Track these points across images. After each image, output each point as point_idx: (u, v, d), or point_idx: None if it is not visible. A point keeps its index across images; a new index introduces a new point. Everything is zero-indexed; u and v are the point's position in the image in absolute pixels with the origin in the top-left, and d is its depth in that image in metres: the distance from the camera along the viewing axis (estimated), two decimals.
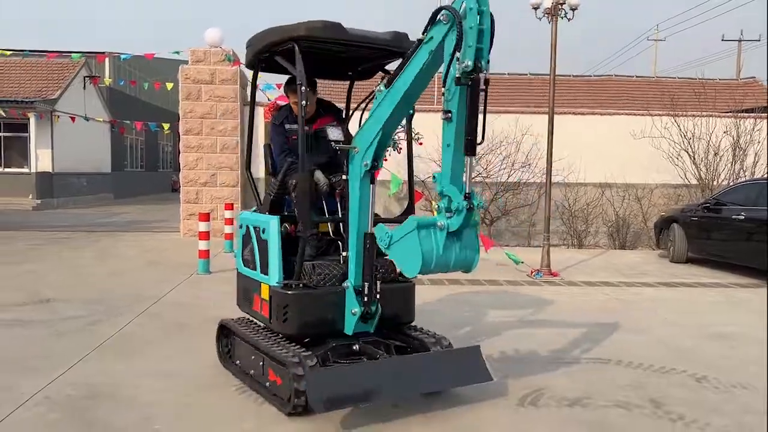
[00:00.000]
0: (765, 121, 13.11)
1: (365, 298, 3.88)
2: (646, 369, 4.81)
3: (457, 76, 3.18)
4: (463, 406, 3.95)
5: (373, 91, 3.87)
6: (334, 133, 4.37)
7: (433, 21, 3.36)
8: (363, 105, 4.27)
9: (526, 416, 3.84)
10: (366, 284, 3.88)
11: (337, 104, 5.04)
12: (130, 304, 6.64)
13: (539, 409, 3.95)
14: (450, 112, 3.27)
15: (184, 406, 3.89)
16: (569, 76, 24.45)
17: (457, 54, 3.16)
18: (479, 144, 3.28)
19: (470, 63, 3.14)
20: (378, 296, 3.92)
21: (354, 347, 4.00)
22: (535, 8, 9.50)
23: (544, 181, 9.75)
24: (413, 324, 4.41)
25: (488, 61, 3.22)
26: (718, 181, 12.91)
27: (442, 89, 3.30)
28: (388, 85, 3.66)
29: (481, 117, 3.24)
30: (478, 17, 3.14)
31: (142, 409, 3.82)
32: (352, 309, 3.90)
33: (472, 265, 3.47)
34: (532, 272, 9.13)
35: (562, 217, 13.21)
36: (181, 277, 8.34)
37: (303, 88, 3.95)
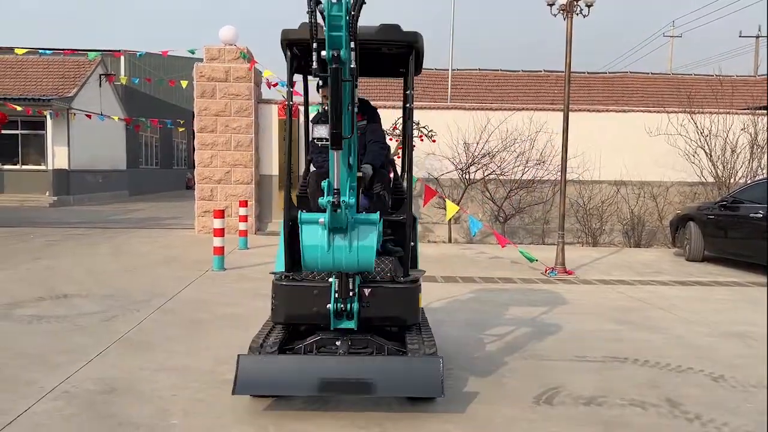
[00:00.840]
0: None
1: (335, 295, 3.88)
2: (662, 368, 4.77)
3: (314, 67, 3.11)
4: (479, 404, 3.94)
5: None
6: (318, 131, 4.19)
7: None
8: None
9: (541, 415, 3.83)
10: (336, 281, 3.85)
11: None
12: (146, 300, 6.70)
13: (555, 408, 3.93)
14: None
15: (199, 401, 3.92)
16: (584, 72, 24.30)
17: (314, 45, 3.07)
18: (348, 137, 3.19)
19: (325, 53, 3.02)
20: (352, 294, 3.85)
21: (337, 343, 3.99)
22: (550, 5, 9.44)
23: (559, 178, 9.70)
24: (419, 327, 4.28)
25: (348, 52, 3.03)
26: (735, 179, 12.77)
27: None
28: None
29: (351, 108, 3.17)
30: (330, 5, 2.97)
31: (159, 404, 3.85)
32: (327, 304, 3.90)
33: (361, 267, 3.48)
34: (546, 270, 9.09)
35: (577, 215, 13.13)
36: (195, 273, 8.39)
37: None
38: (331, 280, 3.92)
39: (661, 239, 13.20)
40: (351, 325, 3.96)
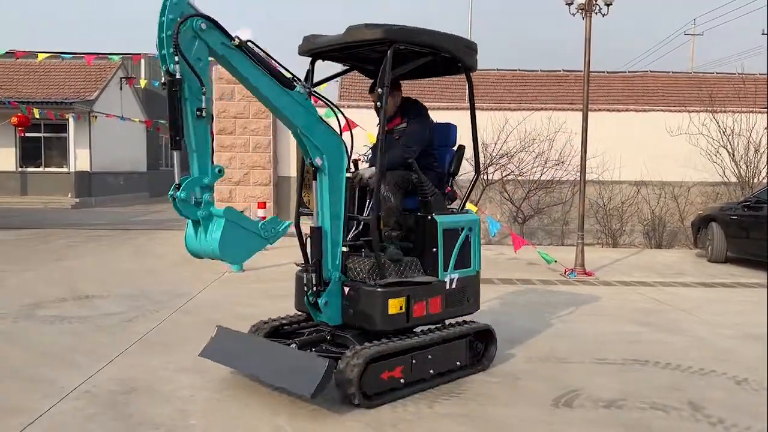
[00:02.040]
0: None
1: (304, 288, 4.12)
2: (684, 370, 4.71)
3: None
4: (497, 406, 3.92)
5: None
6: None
7: None
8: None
9: (560, 417, 3.80)
10: (308, 276, 4.07)
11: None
12: (166, 301, 6.76)
13: (574, 410, 3.90)
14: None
15: (217, 402, 3.94)
16: (604, 72, 24.06)
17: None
18: (179, 139, 3.56)
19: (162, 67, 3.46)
20: (315, 288, 4.04)
21: (324, 334, 4.31)
22: (569, 4, 9.38)
23: (578, 178, 9.62)
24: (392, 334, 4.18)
25: (175, 64, 3.41)
26: (758, 179, 12.58)
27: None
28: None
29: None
30: (158, 27, 3.42)
31: (177, 404, 3.88)
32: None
33: (213, 256, 3.66)
34: (565, 272, 9.02)
35: (597, 216, 13.02)
36: (215, 275, 8.45)
37: (382, 89, 4.07)
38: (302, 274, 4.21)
39: (683, 240, 13.04)
40: (323, 318, 4.17)
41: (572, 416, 3.81)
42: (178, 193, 3.54)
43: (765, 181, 12.30)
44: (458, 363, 4.39)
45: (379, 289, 4.04)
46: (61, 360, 4.71)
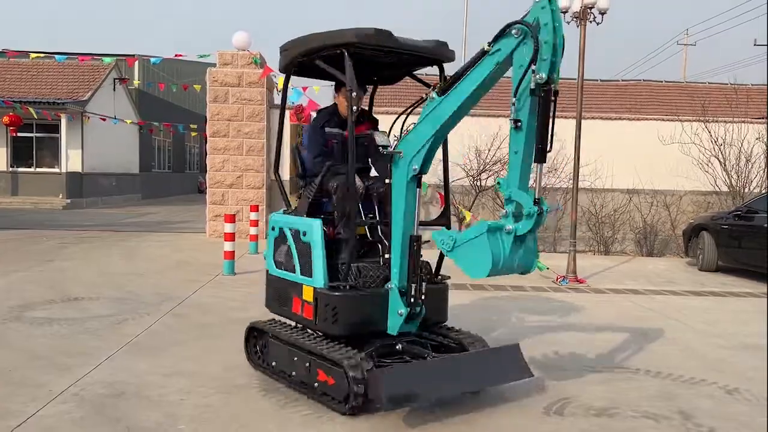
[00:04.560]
0: None
1: (411, 299, 3.94)
2: (675, 379, 4.71)
3: (531, 87, 3.35)
4: (487, 414, 3.91)
5: (423, 98, 3.98)
6: (381, 139, 4.34)
7: (502, 34, 3.50)
8: (409, 110, 4.34)
9: (551, 425, 3.79)
10: (412, 285, 3.93)
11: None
12: (157, 304, 6.72)
13: (565, 419, 3.89)
14: (520, 120, 3.49)
15: (207, 407, 3.91)
16: (597, 80, 24.19)
17: (533, 66, 3.32)
18: (549, 152, 3.45)
19: (545, 75, 3.31)
20: (423, 297, 3.98)
21: (397, 347, 4.11)
22: (564, 12, 9.41)
23: (571, 186, 9.64)
24: (448, 324, 4.53)
25: (559, 73, 3.39)
26: (749, 188, 12.65)
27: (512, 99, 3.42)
28: (442, 92, 3.76)
29: (551, 125, 3.41)
30: (553, 32, 3.31)
31: (167, 409, 3.85)
32: (399, 310, 3.96)
33: (531, 266, 3.68)
34: (557, 279, 9.03)
35: (589, 223, 13.05)
36: (206, 277, 8.41)
37: (353, 93, 4.04)
38: (389, 285, 4.00)
39: (674, 249, 13.09)
40: (412, 328, 4.11)
41: (563, 425, 3.80)
42: (546, 207, 3.51)
43: (756, 190, 12.37)
44: None
45: (446, 284, 4.41)
46: (50, 363, 4.67)
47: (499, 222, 3.51)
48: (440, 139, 3.93)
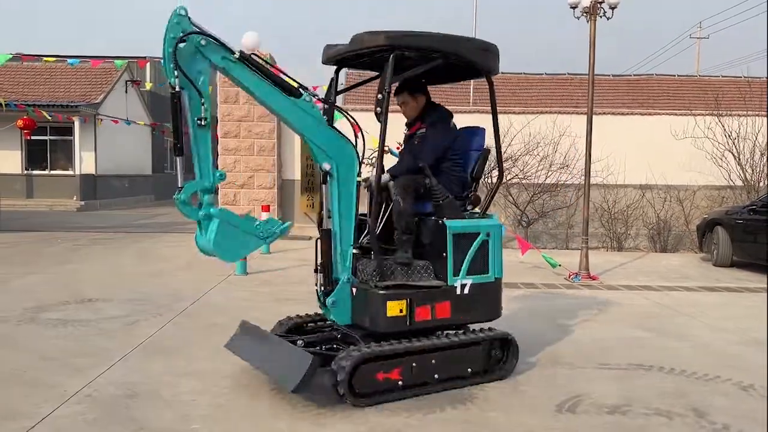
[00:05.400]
0: None
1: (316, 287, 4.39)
2: (689, 376, 4.67)
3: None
4: (500, 411, 3.90)
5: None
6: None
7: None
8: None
9: (563, 423, 3.77)
10: (317, 276, 4.34)
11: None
12: (169, 305, 6.76)
13: (578, 416, 3.87)
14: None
15: (219, 406, 3.93)
16: (609, 75, 24.03)
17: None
18: (180, 145, 3.80)
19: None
20: (325, 288, 4.23)
21: (336, 333, 4.49)
22: (573, 7, 9.35)
23: (583, 182, 9.59)
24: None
25: (175, 78, 3.67)
26: (764, 183, 12.52)
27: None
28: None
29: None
30: (163, 43, 3.67)
31: (179, 409, 3.87)
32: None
33: (206, 250, 3.94)
34: (570, 275, 8.98)
35: (601, 220, 12.98)
36: (218, 278, 8.45)
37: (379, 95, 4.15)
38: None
39: (688, 244, 12.99)
40: (332, 317, 4.33)
41: (576, 422, 3.78)
42: (179, 195, 3.79)
43: None
44: (470, 370, 4.34)
45: (379, 291, 4.09)
46: (63, 364, 4.71)
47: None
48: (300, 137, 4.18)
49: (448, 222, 4.32)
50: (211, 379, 4.39)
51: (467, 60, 4.47)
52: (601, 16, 9.17)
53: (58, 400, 3.96)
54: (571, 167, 12.66)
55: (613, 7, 9.21)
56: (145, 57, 21.94)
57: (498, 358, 4.51)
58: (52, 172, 22.97)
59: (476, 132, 4.87)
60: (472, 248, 4.39)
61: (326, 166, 4.09)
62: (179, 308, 6.61)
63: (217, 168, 3.93)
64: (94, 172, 22.78)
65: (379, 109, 4.11)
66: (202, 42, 3.72)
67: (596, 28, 9.08)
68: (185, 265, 9.60)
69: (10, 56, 14.48)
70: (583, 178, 9.61)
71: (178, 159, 3.91)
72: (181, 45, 3.67)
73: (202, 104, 3.75)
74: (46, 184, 22.61)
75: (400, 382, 4.04)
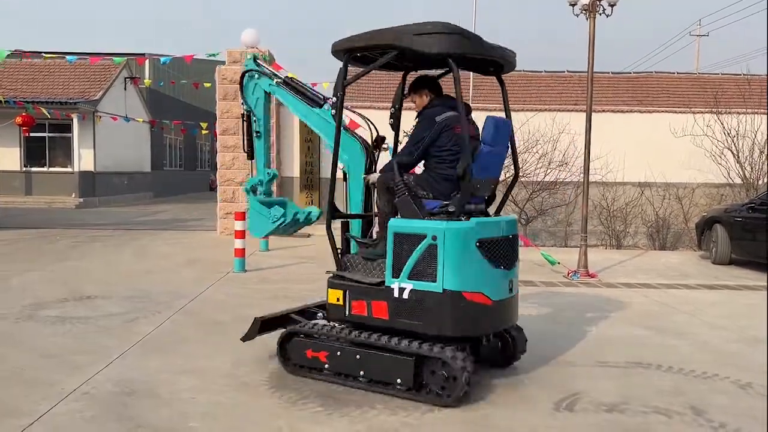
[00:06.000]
0: None
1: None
2: (687, 374, 4.68)
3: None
4: (498, 409, 3.90)
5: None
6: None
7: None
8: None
9: (562, 421, 3.77)
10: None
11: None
12: (168, 302, 6.75)
13: (576, 414, 3.87)
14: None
15: (218, 404, 3.93)
16: (608, 73, 23.96)
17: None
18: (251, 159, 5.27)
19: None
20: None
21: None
22: (573, 5, 9.34)
23: (582, 180, 9.59)
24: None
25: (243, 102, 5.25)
26: (763, 180, 12.52)
27: None
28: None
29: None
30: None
31: (178, 407, 3.87)
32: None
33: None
34: (568, 273, 8.98)
35: (600, 217, 12.98)
36: (217, 275, 8.45)
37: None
38: None
39: (687, 242, 12.99)
40: None
41: (574, 420, 3.78)
42: (245, 187, 5.24)
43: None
44: (398, 381, 4.00)
45: (329, 278, 4.48)
46: (62, 361, 4.71)
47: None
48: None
49: (391, 221, 4.19)
50: (210, 377, 4.39)
51: (408, 49, 4.14)
52: (600, 14, 9.16)
53: (56, 397, 3.96)
54: (570, 165, 12.66)
55: (612, 5, 9.20)
56: (144, 54, 21.92)
57: (442, 378, 3.91)
58: (51, 169, 22.92)
59: (492, 123, 4.34)
60: (415, 251, 4.01)
61: (342, 166, 4.60)
62: (178, 305, 6.61)
63: (269, 167, 5.20)
64: (93, 169, 22.74)
65: (391, 120, 4.76)
66: (255, 75, 5.05)
67: (595, 25, 9.07)
68: (184, 263, 9.59)
69: (10, 53, 14.45)
70: (582, 175, 9.61)
71: (251, 162, 5.28)
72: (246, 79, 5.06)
73: (255, 122, 5.13)
74: (45, 181, 22.57)
75: (326, 366, 4.28)
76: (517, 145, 4.55)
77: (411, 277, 4.03)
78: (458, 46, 4.04)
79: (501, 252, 4.21)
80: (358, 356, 4.15)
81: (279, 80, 4.95)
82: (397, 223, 4.13)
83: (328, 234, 4.49)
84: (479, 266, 4.02)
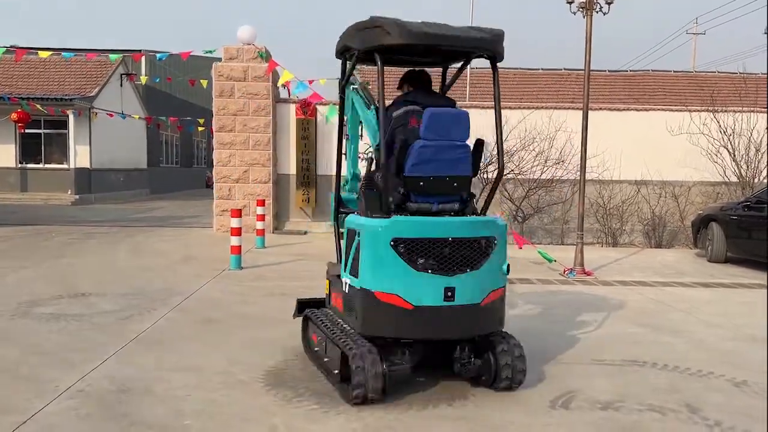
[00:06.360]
0: None
1: None
2: (682, 372, 4.68)
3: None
4: (494, 407, 3.90)
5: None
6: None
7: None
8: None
9: (557, 419, 3.77)
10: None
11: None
12: (163, 299, 6.74)
13: (571, 412, 3.87)
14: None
15: (212, 402, 3.92)
16: (605, 71, 24.01)
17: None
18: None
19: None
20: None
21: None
22: (569, 2, 9.33)
23: (578, 178, 9.59)
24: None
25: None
26: (759, 179, 12.54)
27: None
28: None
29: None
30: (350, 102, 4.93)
31: (172, 404, 3.86)
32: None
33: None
34: (565, 271, 8.99)
35: (597, 215, 12.98)
36: (213, 272, 8.43)
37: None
38: None
39: (683, 240, 13.00)
40: None
41: (569, 418, 3.78)
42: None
43: (765, 181, 12.26)
44: (335, 372, 4.05)
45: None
46: (56, 358, 4.69)
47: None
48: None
49: (349, 217, 4.29)
50: (205, 375, 4.37)
51: (354, 48, 4.20)
52: (597, 12, 9.16)
53: (50, 395, 3.94)
54: (566, 163, 12.65)
55: (609, 2, 9.20)
56: (140, 50, 21.84)
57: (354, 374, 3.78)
58: (47, 165, 22.86)
59: (428, 115, 4.04)
60: (352, 247, 4.01)
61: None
62: (173, 303, 6.59)
63: (356, 166, 5.18)
64: (88, 166, 22.68)
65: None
66: (352, 86, 4.85)
67: (592, 23, 9.06)
68: (180, 260, 9.57)
69: (5, 49, 14.40)
70: (578, 173, 9.61)
71: (343, 157, 5.04)
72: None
73: (345, 125, 4.94)
74: (41, 178, 22.50)
75: (316, 349, 4.55)
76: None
77: (351, 272, 4.05)
78: (379, 39, 3.93)
79: (440, 255, 3.83)
80: (325, 344, 4.35)
81: (355, 86, 4.86)
82: (348, 220, 4.27)
83: (334, 227, 4.78)
84: (394, 267, 3.76)
